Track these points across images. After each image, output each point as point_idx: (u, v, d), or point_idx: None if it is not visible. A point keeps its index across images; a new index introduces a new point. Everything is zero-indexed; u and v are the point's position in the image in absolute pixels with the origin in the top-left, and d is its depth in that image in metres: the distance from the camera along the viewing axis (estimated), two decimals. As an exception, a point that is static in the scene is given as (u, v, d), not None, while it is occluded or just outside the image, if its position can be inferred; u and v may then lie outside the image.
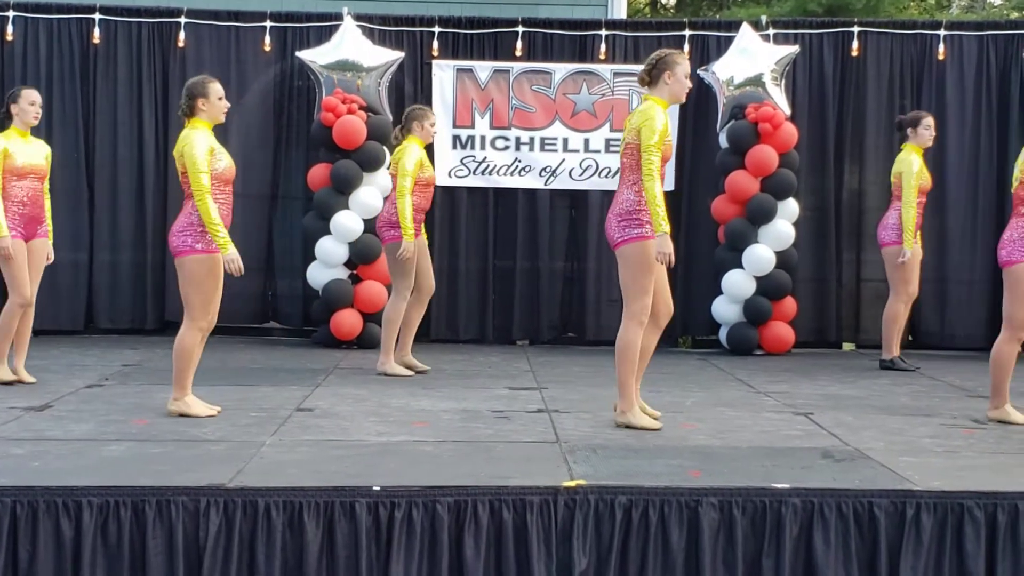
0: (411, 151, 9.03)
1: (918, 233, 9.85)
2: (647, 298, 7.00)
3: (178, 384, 7.23)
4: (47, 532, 5.21)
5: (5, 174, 8.20)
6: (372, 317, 10.92)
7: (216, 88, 7.21)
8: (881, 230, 10.05)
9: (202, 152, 7.02)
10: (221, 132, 11.31)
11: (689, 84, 7.09)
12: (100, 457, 6.04)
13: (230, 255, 6.99)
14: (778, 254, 10.93)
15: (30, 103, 8.31)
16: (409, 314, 9.32)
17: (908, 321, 10.37)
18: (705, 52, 11.62)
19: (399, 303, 9.15)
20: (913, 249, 9.73)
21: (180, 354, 7.17)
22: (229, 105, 7.40)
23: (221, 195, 7.11)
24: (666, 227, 6.84)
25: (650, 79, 7.01)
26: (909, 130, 9.96)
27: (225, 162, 7.14)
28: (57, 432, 6.67)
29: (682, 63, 7.01)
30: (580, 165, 11.61)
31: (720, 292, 11.05)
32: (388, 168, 9.57)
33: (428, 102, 11.56)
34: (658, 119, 6.84)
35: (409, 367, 9.33)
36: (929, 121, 10.00)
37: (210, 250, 7.02)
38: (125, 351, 10.38)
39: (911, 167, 9.80)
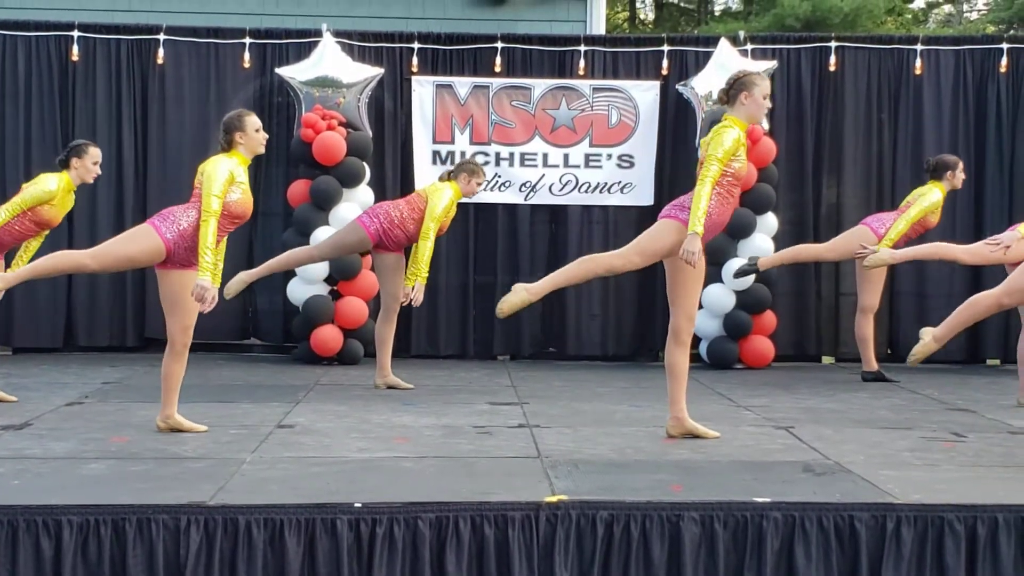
0: (444, 196, 9.02)
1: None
2: (637, 258, 7.02)
3: (164, 403, 7.23)
4: (27, 551, 5.18)
5: (29, 216, 8.16)
6: (353, 333, 10.92)
7: (252, 121, 7.18)
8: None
9: (222, 176, 6.95)
10: (200, 149, 11.46)
11: (768, 104, 7.09)
12: (80, 475, 6.02)
13: (204, 281, 6.80)
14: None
15: (94, 162, 8.29)
16: (381, 333, 9.35)
17: (887, 334, 10.40)
18: (683, 67, 11.67)
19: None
20: (881, 256, 9.61)
21: (164, 377, 7.20)
22: (267, 136, 7.37)
23: (227, 227, 7.05)
24: (700, 229, 6.79)
25: (727, 98, 7.03)
26: (948, 173, 9.97)
27: (239, 195, 7.01)
28: (37, 450, 6.64)
29: (760, 84, 7.01)
30: (560, 180, 11.64)
31: (700, 306, 11.06)
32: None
33: (408, 118, 11.60)
34: (728, 136, 6.86)
35: (393, 387, 9.32)
36: (962, 166, 10.11)
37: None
38: (105, 369, 10.34)
39: (931, 197, 9.85)
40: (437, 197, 9.01)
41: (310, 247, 9.74)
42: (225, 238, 7.21)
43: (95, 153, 8.31)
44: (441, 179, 9.28)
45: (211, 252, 6.87)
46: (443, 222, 9.13)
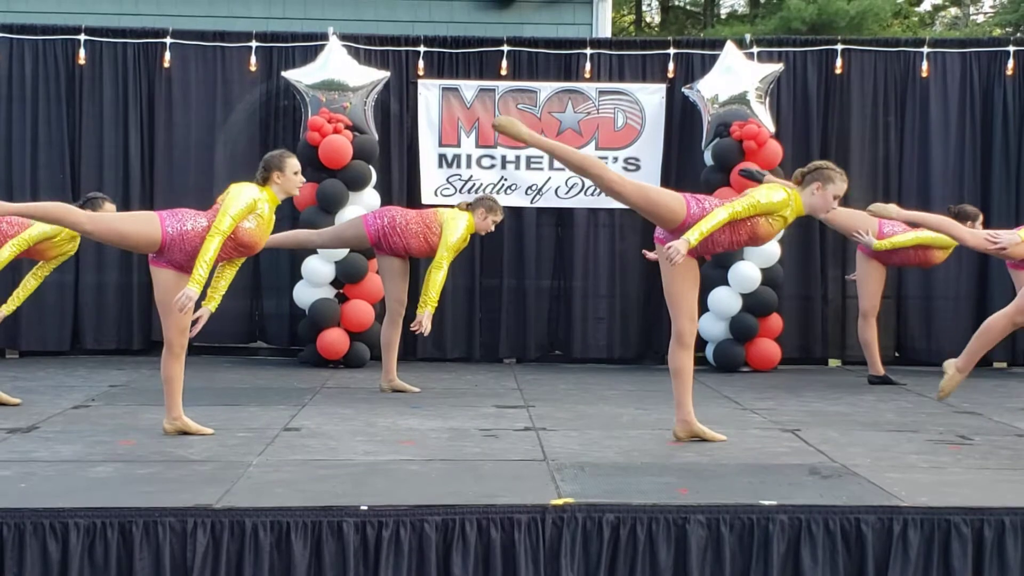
0: (460, 225, 9.00)
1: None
2: (631, 187, 7.18)
3: (169, 406, 7.25)
4: (34, 554, 5.20)
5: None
6: (359, 336, 10.93)
7: (293, 163, 7.17)
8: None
9: (244, 201, 6.94)
10: (207, 152, 11.49)
11: (834, 206, 7.06)
12: (87, 478, 6.03)
13: (191, 291, 6.77)
14: (764, 271, 10.96)
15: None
16: (387, 336, 9.36)
17: (894, 338, 10.38)
18: (689, 70, 11.66)
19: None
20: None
21: (165, 381, 7.22)
22: (304, 181, 7.37)
23: (231, 253, 7.06)
24: (694, 242, 6.74)
25: (802, 179, 7.03)
26: (967, 223, 9.93)
27: (253, 226, 7.00)
28: (44, 453, 6.65)
29: (838, 183, 6.98)
30: (566, 183, 11.64)
31: (706, 309, 11.07)
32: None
33: (414, 121, 11.61)
34: (778, 196, 6.88)
35: (399, 391, 9.33)
36: (981, 219, 10.07)
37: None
38: (111, 372, 10.35)
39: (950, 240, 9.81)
40: (453, 226, 8.99)
41: (313, 232, 9.78)
42: (234, 270, 7.25)
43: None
44: (459, 207, 9.27)
45: (207, 267, 6.85)
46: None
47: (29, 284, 8.50)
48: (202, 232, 6.94)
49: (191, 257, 6.93)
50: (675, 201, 6.99)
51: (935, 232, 9.56)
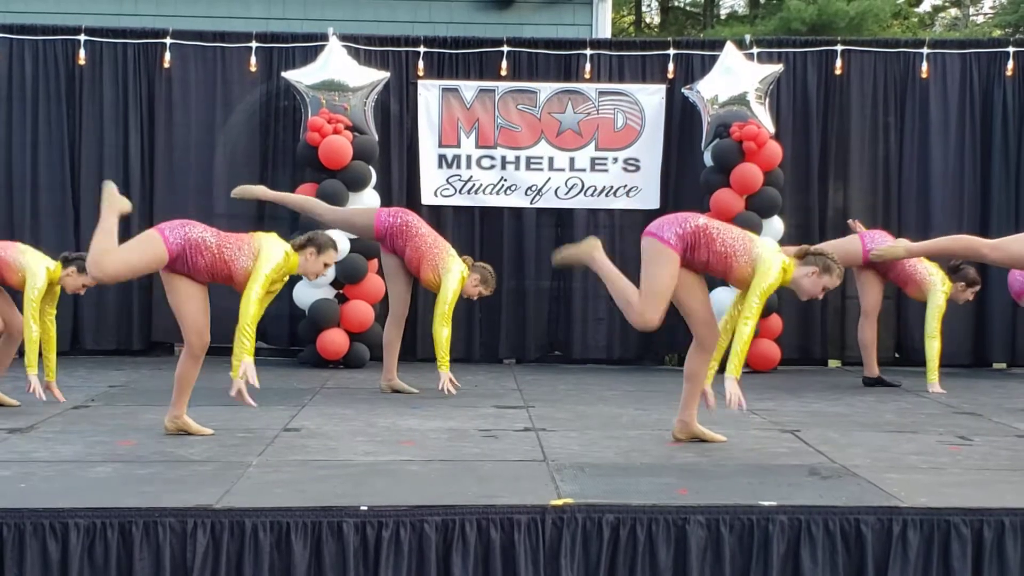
0: (456, 280, 9.04)
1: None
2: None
3: (174, 403, 7.27)
4: (34, 554, 5.20)
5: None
6: (359, 337, 10.93)
7: (332, 256, 7.27)
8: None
9: (276, 259, 7.04)
10: (207, 153, 11.49)
11: (819, 296, 7.04)
12: (87, 479, 6.03)
13: (248, 363, 7.03)
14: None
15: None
16: (389, 336, 9.38)
17: (895, 338, 10.38)
18: (689, 71, 11.67)
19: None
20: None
21: (176, 378, 7.25)
22: (326, 274, 7.51)
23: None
24: (738, 374, 6.86)
25: (803, 256, 6.99)
26: (961, 285, 9.96)
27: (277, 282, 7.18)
28: (43, 454, 6.65)
29: (834, 277, 6.92)
30: (566, 184, 11.65)
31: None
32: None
33: (414, 122, 11.61)
34: (774, 270, 6.80)
35: (398, 391, 9.34)
36: (977, 290, 10.13)
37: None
38: (111, 372, 10.36)
39: (939, 300, 9.78)
40: (450, 279, 9.03)
41: (325, 205, 9.70)
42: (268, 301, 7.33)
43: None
44: (464, 260, 9.27)
45: (250, 333, 6.99)
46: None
47: (49, 332, 8.34)
48: (213, 249, 7.03)
49: (201, 269, 7.03)
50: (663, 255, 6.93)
51: (939, 308, 9.68)
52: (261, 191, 9.52)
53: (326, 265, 7.29)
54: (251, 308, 6.98)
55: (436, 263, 9.09)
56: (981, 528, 5.46)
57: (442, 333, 9.01)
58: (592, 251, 7.09)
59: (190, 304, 7.09)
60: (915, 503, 5.61)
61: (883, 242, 9.92)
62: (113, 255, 7.02)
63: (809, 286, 6.93)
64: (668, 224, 6.93)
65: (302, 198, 9.77)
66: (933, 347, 9.81)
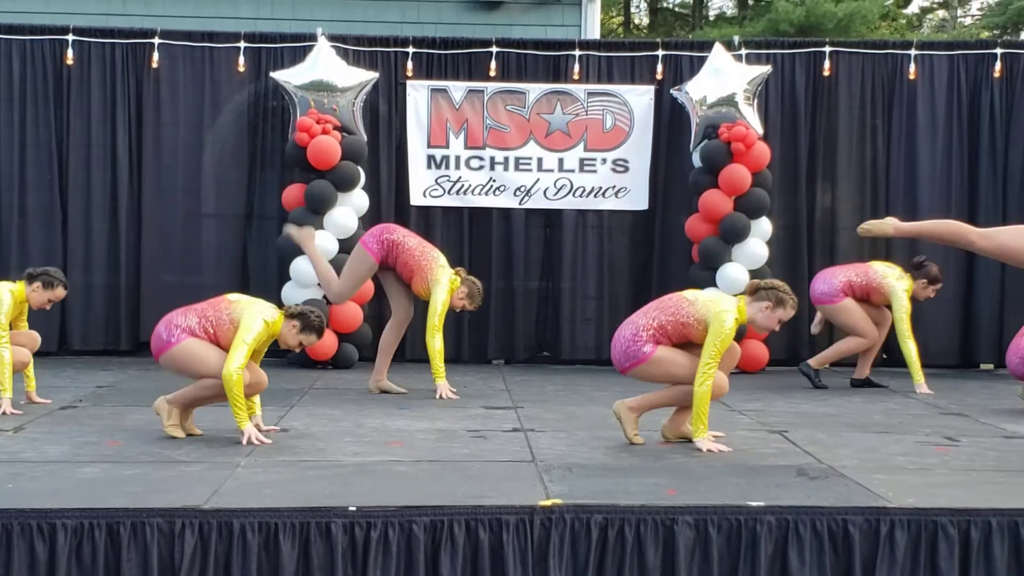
0: (444, 290, 9.06)
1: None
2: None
3: (176, 395, 7.31)
4: (21, 555, 5.19)
5: None
6: (347, 337, 10.93)
7: (310, 339, 7.30)
8: (819, 284, 10.15)
9: (257, 327, 7.04)
10: (195, 153, 11.47)
11: (776, 329, 7.14)
12: (74, 479, 6.02)
13: (250, 430, 7.04)
14: (752, 273, 10.96)
15: (49, 299, 8.28)
16: (387, 339, 9.40)
17: (883, 339, 10.38)
18: (678, 72, 11.68)
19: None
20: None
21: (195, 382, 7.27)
22: (297, 351, 7.53)
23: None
24: (705, 432, 6.99)
25: (754, 292, 7.04)
26: (923, 282, 9.99)
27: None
28: (31, 454, 6.64)
29: (788, 310, 7.00)
30: (554, 184, 11.65)
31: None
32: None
33: (403, 122, 11.61)
34: (727, 324, 6.86)
35: (385, 391, 9.35)
36: (939, 287, 10.14)
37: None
38: (99, 372, 10.33)
39: (903, 301, 9.83)
40: (438, 291, 9.05)
41: (337, 281, 9.66)
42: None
43: (59, 293, 8.31)
44: (455, 271, 9.27)
45: (240, 403, 6.98)
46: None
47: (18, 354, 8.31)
48: (191, 331, 7.12)
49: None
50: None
51: (904, 308, 9.75)
52: (308, 247, 9.70)
53: (301, 344, 7.32)
54: (233, 387, 6.96)
55: (426, 275, 9.11)
56: (968, 529, 5.48)
57: (434, 345, 9.04)
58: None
59: (196, 360, 7.15)
60: (902, 504, 5.63)
61: (835, 278, 9.99)
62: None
63: (764, 321, 7.03)
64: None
65: (323, 270, 9.78)
66: (910, 348, 9.84)
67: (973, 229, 7.90)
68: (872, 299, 10.03)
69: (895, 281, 9.91)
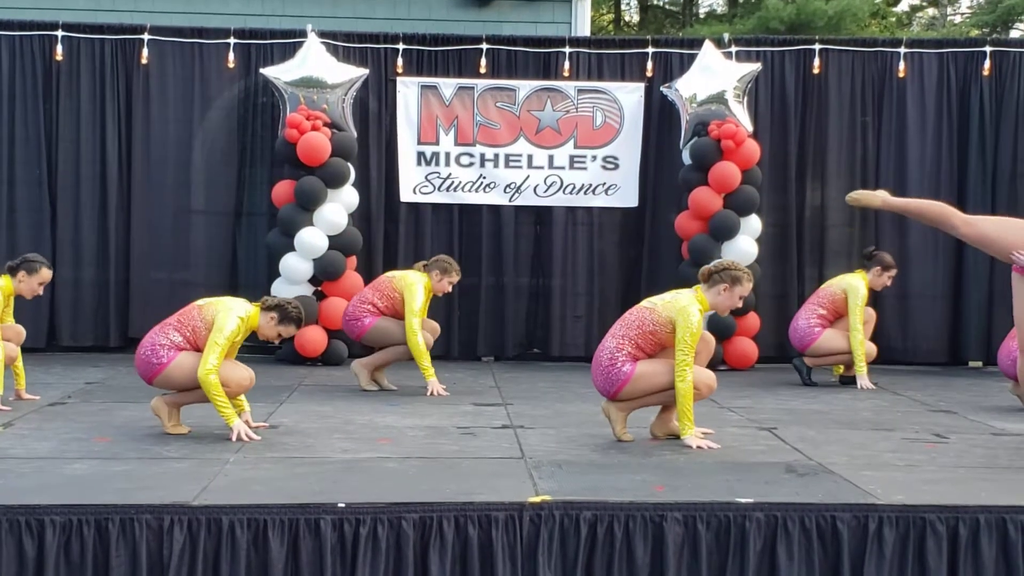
0: (418, 293, 9.09)
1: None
2: None
3: (174, 396, 7.33)
4: (10, 551, 5.18)
5: None
6: (337, 334, 10.92)
7: (289, 330, 7.29)
8: (794, 334, 10.19)
9: (232, 325, 7.04)
10: (185, 149, 11.46)
11: (739, 304, 7.13)
12: (63, 475, 6.01)
13: (239, 425, 7.06)
14: (742, 270, 10.97)
15: (39, 283, 8.22)
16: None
17: (872, 337, 10.38)
18: (668, 69, 11.69)
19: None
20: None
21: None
22: (276, 342, 7.60)
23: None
24: (692, 429, 7.01)
25: (708, 278, 7.06)
26: (878, 269, 10.01)
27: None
28: (19, 450, 6.62)
29: (744, 285, 7.03)
30: (545, 181, 11.65)
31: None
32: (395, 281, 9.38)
33: (393, 119, 11.60)
34: (694, 318, 6.90)
35: (376, 382, 9.36)
36: (893, 273, 10.15)
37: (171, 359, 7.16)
38: (88, 369, 10.32)
39: (861, 291, 9.87)
40: (412, 292, 9.08)
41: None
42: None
43: (45, 273, 8.24)
44: (416, 269, 9.32)
45: (221, 399, 7.00)
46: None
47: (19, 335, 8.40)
48: (178, 346, 7.14)
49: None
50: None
51: (859, 306, 9.81)
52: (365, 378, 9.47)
53: (280, 335, 7.33)
54: (211, 385, 6.98)
55: (398, 296, 9.15)
56: (956, 525, 5.49)
57: (417, 344, 9.02)
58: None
59: (181, 373, 7.20)
60: (891, 500, 5.64)
61: (798, 322, 10.10)
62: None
63: (725, 302, 7.07)
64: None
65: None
66: (857, 340, 9.87)
67: (959, 214, 7.91)
68: (844, 311, 10.04)
69: (849, 278, 9.99)
